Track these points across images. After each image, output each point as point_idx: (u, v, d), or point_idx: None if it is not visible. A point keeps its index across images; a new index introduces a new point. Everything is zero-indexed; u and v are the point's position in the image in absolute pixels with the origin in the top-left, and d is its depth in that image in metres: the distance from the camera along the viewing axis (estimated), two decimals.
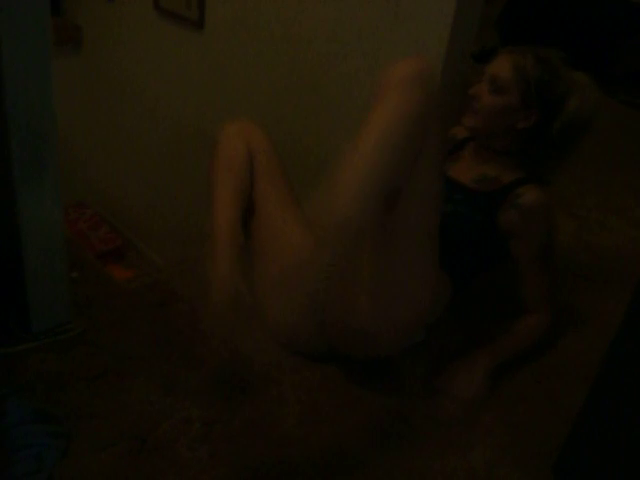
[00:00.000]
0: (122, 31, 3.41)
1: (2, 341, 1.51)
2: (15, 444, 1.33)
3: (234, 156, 1.83)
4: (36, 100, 1.38)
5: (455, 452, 1.51)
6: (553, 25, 3.82)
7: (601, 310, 2.02)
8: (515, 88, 1.73)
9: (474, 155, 1.85)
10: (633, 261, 2.28)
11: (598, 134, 1.80)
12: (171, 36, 3.12)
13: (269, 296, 1.72)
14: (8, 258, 1.54)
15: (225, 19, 2.84)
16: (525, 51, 1.80)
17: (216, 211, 1.73)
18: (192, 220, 3.40)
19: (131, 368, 1.59)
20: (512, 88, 1.74)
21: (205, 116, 3.14)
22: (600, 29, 3.75)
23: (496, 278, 1.90)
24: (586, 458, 1.42)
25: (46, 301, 1.61)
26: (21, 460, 1.31)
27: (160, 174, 3.56)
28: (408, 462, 1.46)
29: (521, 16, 4.17)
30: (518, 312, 1.80)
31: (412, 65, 1.31)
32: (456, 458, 1.49)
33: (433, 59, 2.15)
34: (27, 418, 1.38)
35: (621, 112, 3.47)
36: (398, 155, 1.24)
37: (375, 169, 1.23)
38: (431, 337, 1.76)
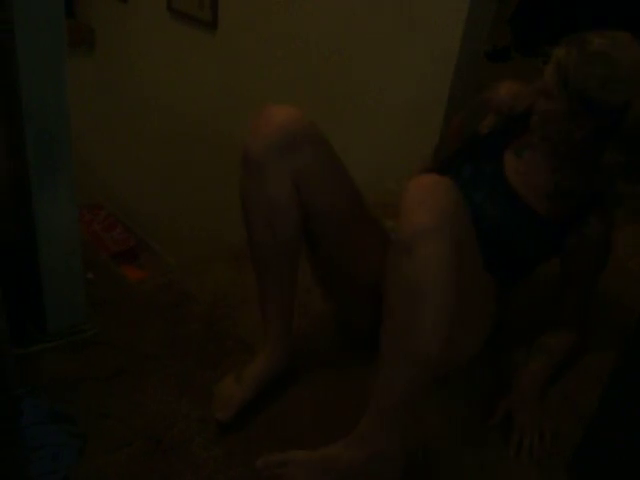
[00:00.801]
0: (135, 32, 3.43)
1: (18, 342, 1.52)
2: (31, 444, 1.34)
3: (276, 198, 1.45)
4: (51, 102, 1.39)
5: (470, 450, 1.50)
6: (567, 23, 3.81)
7: (616, 309, 2.01)
8: (558, 92, 1.48)
9: (542, 149, 1.61)
10: None
11: None
12: (184, 37, 3.13)
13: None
14: (24, 259, 1.55)
15: (238, 20, 2.85)
16: (573, 43, 1.46)
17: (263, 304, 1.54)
18: (205, 221, 3.41)
19: (146, 368, 1.60)
20: (556, 92, 1.48)
21: (219, 117, 3.15)
22: (616, 27, 3.73)
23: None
24: (600, 457, 1.42)
25: (61, 302, 1.62)
26: (37, 460, 1.31)
27: (173, 175, 3.57)
28: (419, 459, 1.46)
29: (535, 14, 4.15)
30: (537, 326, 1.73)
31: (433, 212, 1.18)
32: (470, 456, 1.49)
33: (446, 59, 2.15)
34: (43, 418, 1.39)
35: None
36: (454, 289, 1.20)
37: (444, 310, 1.20)
38: None
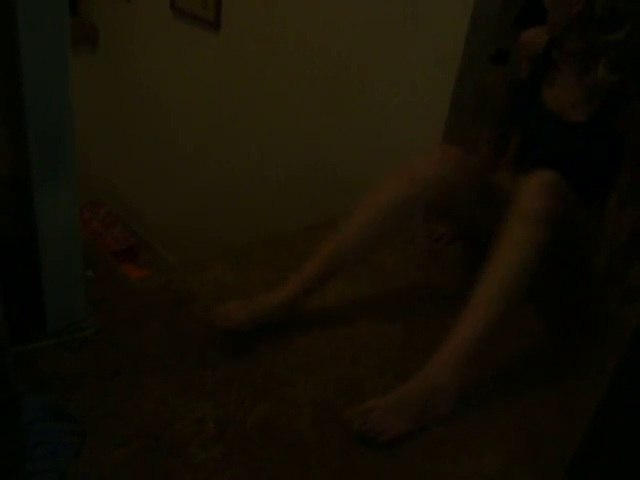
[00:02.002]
0: (138, 31, 3.43)
1: (18, 339, 1.51)
2: (30, 441, 1.33)
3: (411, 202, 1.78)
4: (54, 100, 1.39)
5: (468, 456, 1.50)
6: None
7: (617, 314, 2.01)
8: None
9: (569, 71, 1.90)
10: None
11: None
12: (187, 36, 3.14)
13: None
14: (24, 256, 1.55)
15: (241, 20, 2.85)
16: None
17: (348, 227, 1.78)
18: (206, 220, 3.41)
19: (145, 367, 1.60)
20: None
21: (221, 116, 3.15)
22: None
23: None
24: (599, 463, 1.42)
25: (61, 300, 1.62)
26: (36, 457, 1.31)
27: (174, 174, 3.58)
28: (420, 466, 1.46)
29: (539, 17, 4.15)
30: None
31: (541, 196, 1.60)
32: (469, 462, 1.49)
33: (450, 61, 2.15)
34: (43, 416, 1.39)
35: None
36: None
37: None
38: None
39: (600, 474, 1.40)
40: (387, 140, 2.44)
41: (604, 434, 1.39)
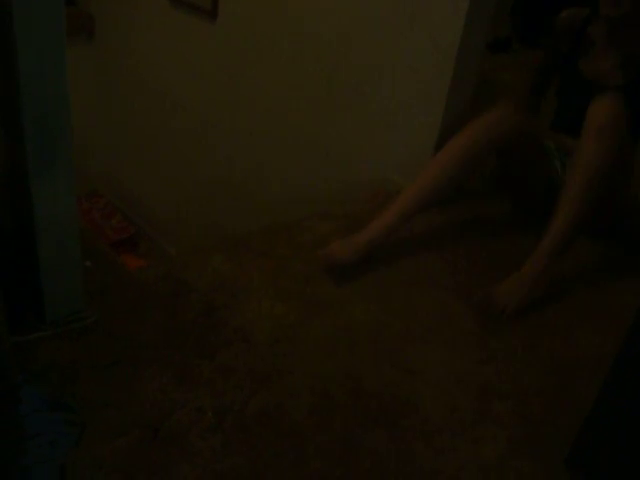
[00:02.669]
0: (134, 20, 3.42)
1: (16, 329, 1.51)
2: (29, 432, 1.34)
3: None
4: (50, 89, 1.38)
5: (466, 444, 1.50)
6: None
7: (616, 302, 2.01)
8: None
9: (604, 42, 2.27)
10: None
11: None
12: (184, 26, 3.13)
13: None
14: (22, 247, 1.55)
15: (239, 9, 2.84)
16: None
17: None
18: (205, 210, 3.40)
19: (144, 357, 1.60)
20: None
21: (218, 106, 3.14)
22: None
23: None
24: (599, 451, 1.42)
25: (60, 290, 1.61)
26: (34, 448, 1.32)
27: (173, 164, 3.57)
28: (419, 454, 1.46)
29: (536, 5, 4.15)
30: None
31: (612, 111, 1.95)
32: (467, 450, 1.49)
33: (448, 50, 2.14)
34: (41, 406, 1.39)
35: None
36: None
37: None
38: None
39: (600, 462, 1.41)
40: (384, 129, 2.43)
41: (604, 423, 1.39)
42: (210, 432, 1.43)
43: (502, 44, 4.15)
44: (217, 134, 3.20)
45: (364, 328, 1.81)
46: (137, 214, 4.02)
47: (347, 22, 2.42)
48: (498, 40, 4.10)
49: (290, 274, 1.98)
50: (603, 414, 1.39)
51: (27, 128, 1.38)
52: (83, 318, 1.65)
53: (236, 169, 3.16)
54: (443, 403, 1.61)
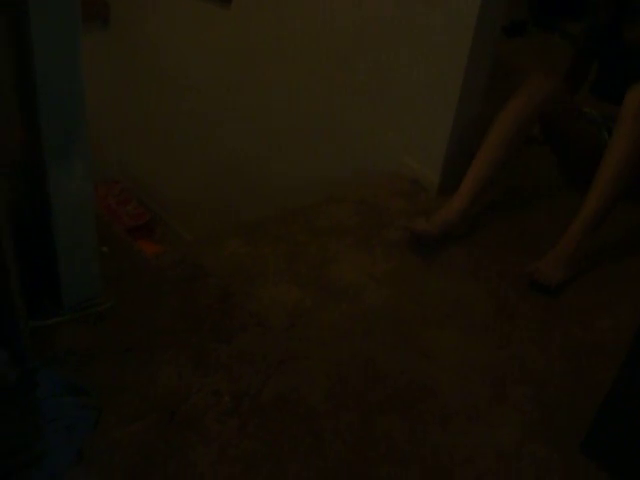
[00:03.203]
0: (149, 6, 3.42)
1: (34, 314, 1.52)
2: (46, 416, 1.35)
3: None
4: (65, 76, 1.38)
5: (483, 428, 1.50)
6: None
7: (633, 288, 2.00)
8: None
9: None
10: None
11: None
12: (199, 11, 3.12)
13: None
14: (39, 232, 1.55)
15: None
16: None
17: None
18: (221, 196, 3.41)
19: (160, 342, 1.60)
20: None
21: (233, 92, 3.14)
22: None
23: None
24: (615, 436, 1.42)
25: (77, 275, 1.62)
26: (52, 432, 1.33)
27: (189, 150, 3.57)
28: (435, 437, 1.46)
29: None
30: None
31: None
32: (484, 434, 1.49)
33: (464, 33, 2.13)
34: (58, 390, 1.40)
35: None
36: None
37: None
38: None
39: (616, 447, 1.41)
40: (401, 114, 2.42)
41: (620, 408, 1.39)
42: (226, 416, 1.44)
43: (518, 28, 4.11)
44: (233, 120, 3.20)
45: (380, 313, 1.81)
46: (153, 200, 4.03)
47: (362, 8, 2.41)
48: (514, 23, 4.06)
49: (306, 259, 1.98)
50: (619, 399, 1.38)
51: (43, 114, 1.38)
52: (100, 303, 1.66)
53: (252, 154, 3.15)
54: (459, 387, 1.60)
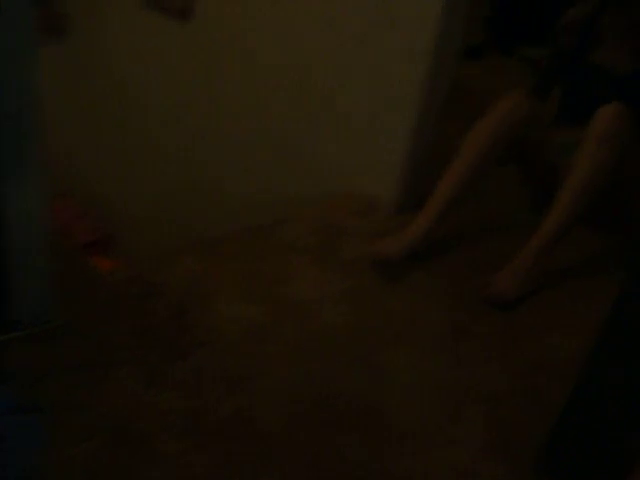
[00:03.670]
0: (107, 19, 3.39)
1: None
2: None
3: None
4: (20, 88, 1.37)
5: (439, 448, 1.51)
6: (541, 23, 3.84)
7: (587, 307, 2.03)
8: None
9: (615, 33, 2.34)
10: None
11: None
12: (156, 25, 3.11)
13: None
14: None
15: (211, 10, 2.83)
16: None
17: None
18: (177, 213, 3.39)
19: (115, 359, 1.58)
20: None
21: (190, 109, 3.13)
22: None
23: None
24: (568, 455, 1.43)
25: (29, 291, 1.59)
26: (2, 451, 1.30)
27: (144, 165, 3.55)
28: (391, 457, 1.46)
29: (509, 14, 4.18)
30: None
31: (615, 121, 2.00)
32: (439, 454, 1.49)
33: (422, 57, 2.15)
34: (9, 409, 1.37)
35: None
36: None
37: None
38: None
39: (569, 465, 1.42)
40: (356, 133, 2.43)
41: (573, 427, 1.40)
42: (180, 435, 1.42)
43: (475, 51, 4.17)
44: (189, 136, 3.19)
45: (336, 331, 1.81)
46: (108, 215, 3.99)
47: (319, 28, 2.42)
48: (471, 47, 4.13)
49: (262, 277, 1.98)
50: (572, 418, 1.40)
51: None
52: (52, 320, 1.63)
53: (208, 172, 3.14)
54: (414, 407, 1.61)
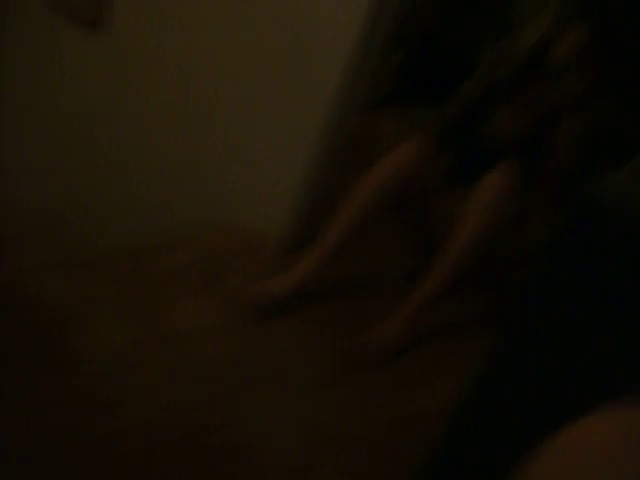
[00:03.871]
0: (14, 29, 3.30)
1: None
2: None
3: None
4: None
5: None
6: (451, 77, 3.95)
7: (462, 361, 2.07)
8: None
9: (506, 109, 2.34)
10: None
11: None
12: (65, 36, 3.04)
13: None
14: None
15: (124, 20, 2.81)
16: None
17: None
18: (54, 224, 3.28)
19: None
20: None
21: (105, 121, 3.05)
22: None
23: None
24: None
25: None
26: None
27: (28, 177, 3.45)
28: None
29: (417, 67, 4.30)
30: None
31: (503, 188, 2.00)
32: None
33: (322, 107, 2.17)
34: None
35: None
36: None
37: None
38: None
39: None
40: (254, 167, 2.44)
41: (450, 454, 1.41)
42: (30, 458, 1.37)
43: (380, 101, 4.25)
44: (87, 148, 3.12)
45: (210, 363, 1.79)
46: None
47: (228, 65, 2.43)
48: (378, 99, 4.20)
49: (141, 302, 1.94)
50: (436, 467, 1.41)
51: None
52: None
53: (94, 187, 3.07)
54: (276, 447, 1.60)
